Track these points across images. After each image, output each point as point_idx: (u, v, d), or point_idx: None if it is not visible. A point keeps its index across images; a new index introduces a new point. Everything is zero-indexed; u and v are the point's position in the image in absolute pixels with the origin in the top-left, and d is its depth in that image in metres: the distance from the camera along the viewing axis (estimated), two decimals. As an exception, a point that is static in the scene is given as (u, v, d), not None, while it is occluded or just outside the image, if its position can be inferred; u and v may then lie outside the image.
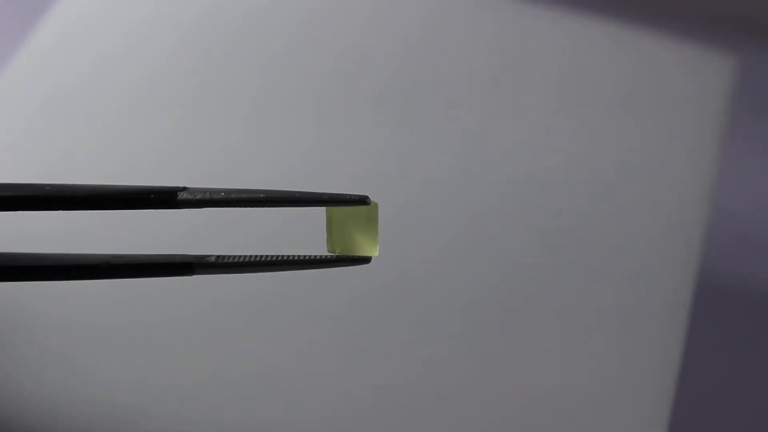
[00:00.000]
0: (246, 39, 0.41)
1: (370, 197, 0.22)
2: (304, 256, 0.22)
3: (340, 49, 0.41)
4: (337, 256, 0.23)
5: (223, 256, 0.22)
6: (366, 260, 0.23)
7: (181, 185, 0.22)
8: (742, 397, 0.48)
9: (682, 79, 0.41)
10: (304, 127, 0.38)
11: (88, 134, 0.37)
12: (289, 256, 0.22)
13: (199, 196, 0.22)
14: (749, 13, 0.59)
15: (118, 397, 0.31)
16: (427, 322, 0.34)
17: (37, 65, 0.39)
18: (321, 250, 0.23)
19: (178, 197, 0.22)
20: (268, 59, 0.40)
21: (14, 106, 0.38)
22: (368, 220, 0.23)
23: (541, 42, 0.42)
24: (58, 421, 0.31)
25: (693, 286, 0.35)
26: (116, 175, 0.36)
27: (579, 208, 0.37)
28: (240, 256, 0.22)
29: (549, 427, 0.32)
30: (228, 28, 0.41)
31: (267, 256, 0.22)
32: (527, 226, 0.36)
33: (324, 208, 0.23)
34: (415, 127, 0.38)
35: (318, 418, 0.31)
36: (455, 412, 0.32)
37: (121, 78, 0.39)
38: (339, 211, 0.22)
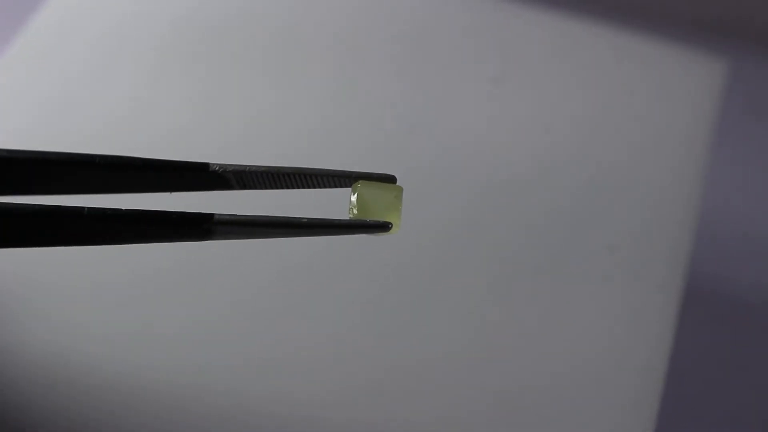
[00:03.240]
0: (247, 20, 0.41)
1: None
2: (326, 220, 0.22)
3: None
4: (358, 221, 0.23)
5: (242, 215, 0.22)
6: (386, 227, 0.23)
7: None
8: (731, 399, 0.48)
9: (673, 81, 0.41)
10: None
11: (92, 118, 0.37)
12: (311, 219, 0.22)
13: (228, 169, 0.22)
14: (740, 16, 0.60)
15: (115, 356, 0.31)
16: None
17: (39, 45, 0.39)
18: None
19: (210, 167, 0.22)
20: (269, 42, 0.40)
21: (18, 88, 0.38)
22: (393, 201, 0.23)
23: (535, 44, 0.42)
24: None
25: (682, 285, 0.35)
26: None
27: (569, 206, 0.37)
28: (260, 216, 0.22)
29: (534, 426, 0.32)
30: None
31: (287, 217, 0.22)
32: (518, 223, 0.36)
33: (349, 191, 0.23)
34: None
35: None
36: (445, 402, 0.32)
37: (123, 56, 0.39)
38: (365, 190, 0.23)
